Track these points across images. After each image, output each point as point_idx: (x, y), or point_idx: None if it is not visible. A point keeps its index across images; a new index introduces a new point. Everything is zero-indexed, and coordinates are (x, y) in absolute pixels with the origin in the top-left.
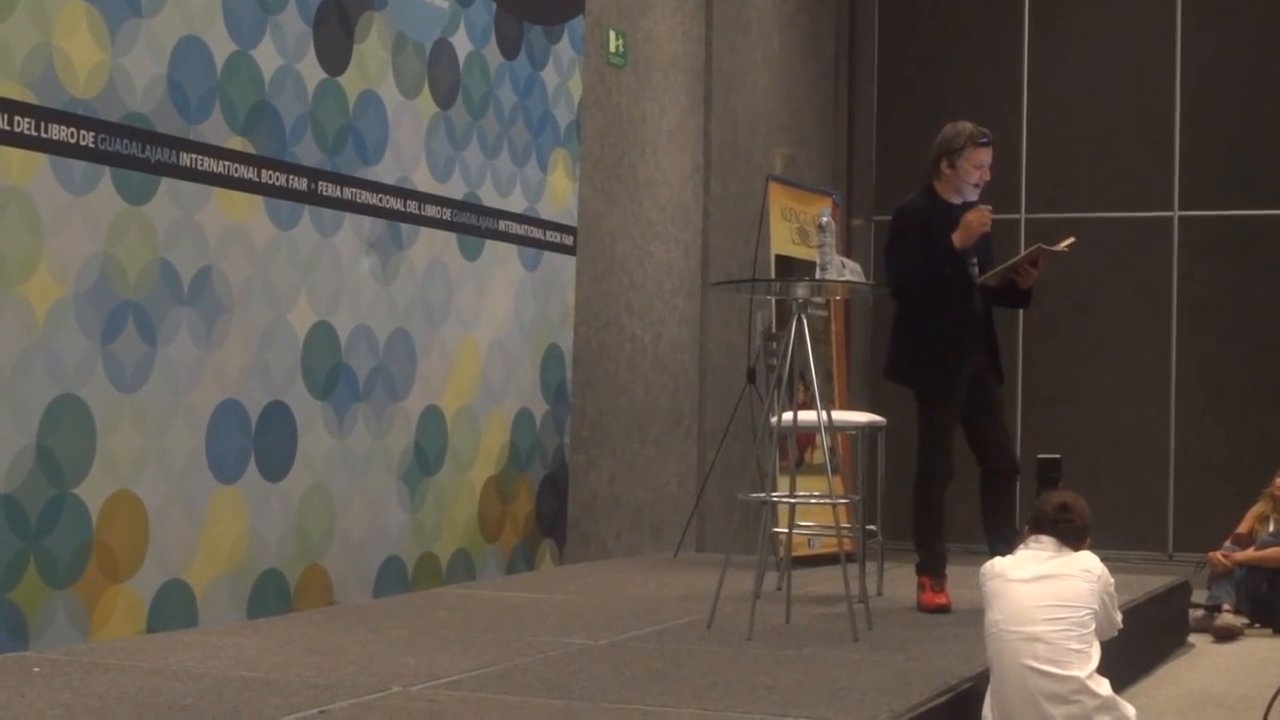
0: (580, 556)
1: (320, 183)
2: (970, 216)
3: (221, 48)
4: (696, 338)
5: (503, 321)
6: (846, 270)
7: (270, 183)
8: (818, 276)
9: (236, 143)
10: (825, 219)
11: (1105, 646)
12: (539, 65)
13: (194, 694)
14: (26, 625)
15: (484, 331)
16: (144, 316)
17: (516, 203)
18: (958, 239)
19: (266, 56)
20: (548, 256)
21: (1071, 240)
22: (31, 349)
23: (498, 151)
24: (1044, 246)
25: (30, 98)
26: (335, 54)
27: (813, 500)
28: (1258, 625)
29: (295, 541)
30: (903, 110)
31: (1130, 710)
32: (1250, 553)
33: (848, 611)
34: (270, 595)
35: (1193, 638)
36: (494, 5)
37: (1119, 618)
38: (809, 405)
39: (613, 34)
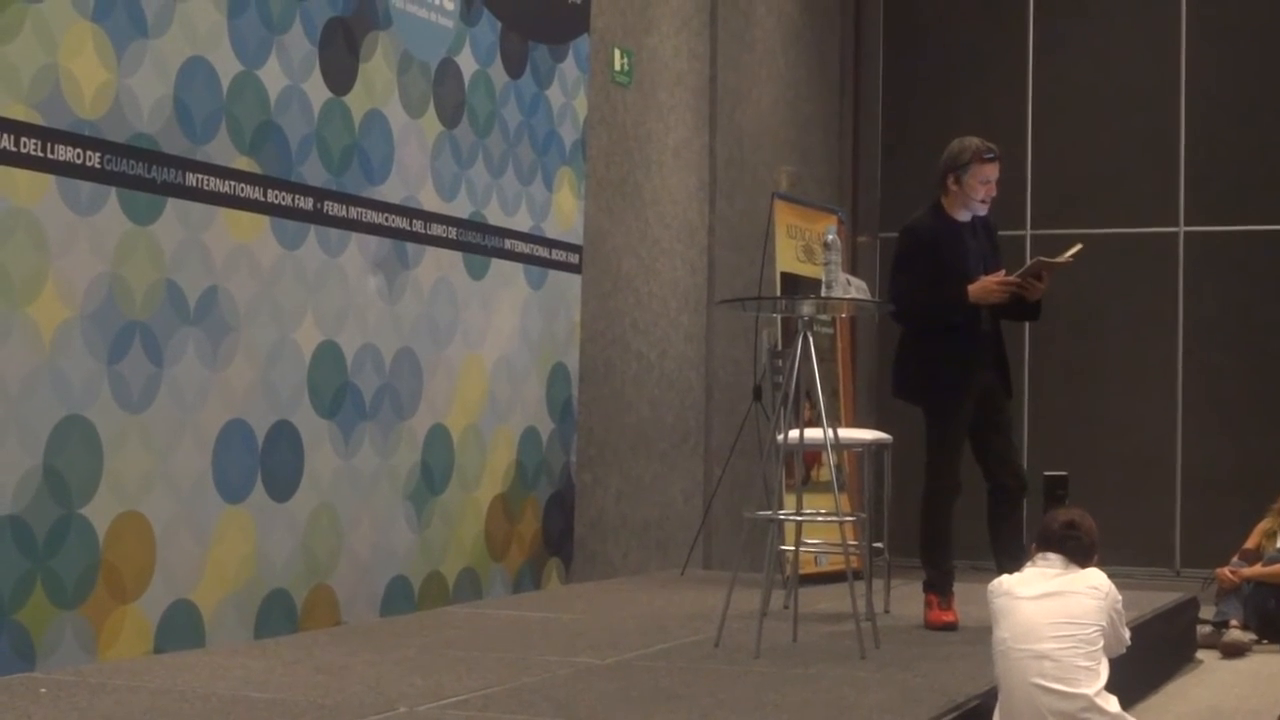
0: (587, 575)
1: (326, 202)
2: (994, 286)
3: (227, 68)
4: (702, 355)
5: (509, 340)
6: (852, 288)
7: (276, 202)
8: (823, 294)
9: (242, 163)
10: (831, 236)
11: (1113, 663)
12: (544, 84)
13: (201, 714)
14: (34, 646)
15: (490, 350)
16: (150, 336)
17: (522, 221)
18: (973, 294)
19: (272, 76)
20: (553, 275)
21: (1078, 248)
22: (38, 369)
23: (503, 170)
24: (1043, 259)
25: (36, 119)
26: (341, 73)
27: (819, 518)
28: (1265, 641)
29: (302, 561)
30: (908, 127)
31: None
32: (1258, 568)
33: (855, 629)
34: (277, 615)
35: (1201, 654)
36: (499, 24)
37: (1127, 634)
38: (815, 423)
39: (618, 52)
